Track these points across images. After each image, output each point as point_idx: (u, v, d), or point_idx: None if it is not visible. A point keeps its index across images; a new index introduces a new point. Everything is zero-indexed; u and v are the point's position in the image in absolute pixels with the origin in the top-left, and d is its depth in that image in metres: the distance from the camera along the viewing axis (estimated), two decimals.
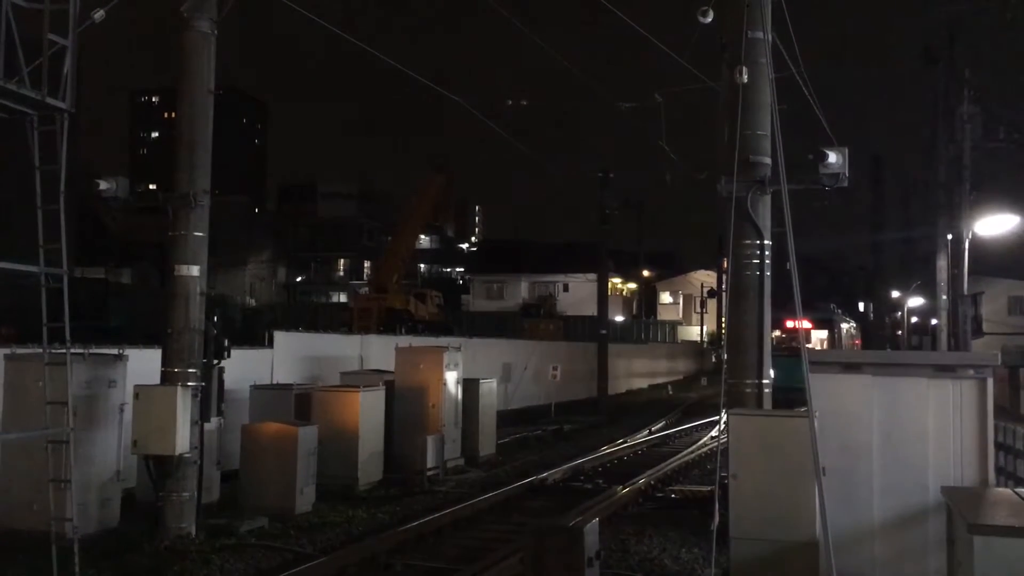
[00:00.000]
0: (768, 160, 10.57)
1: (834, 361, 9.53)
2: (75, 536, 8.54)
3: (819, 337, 31.73)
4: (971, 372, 8.64)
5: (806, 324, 28.69)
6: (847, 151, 10.17)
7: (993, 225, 22.10)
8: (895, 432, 8.44)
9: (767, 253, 10.62)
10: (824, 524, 6.98)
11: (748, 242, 10.60)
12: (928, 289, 29.98)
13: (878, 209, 45.52)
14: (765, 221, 10.65)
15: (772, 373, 26.84)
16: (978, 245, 23.00)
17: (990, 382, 8.37)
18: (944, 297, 23.04)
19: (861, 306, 63.66)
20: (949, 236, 22.64)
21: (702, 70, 14.11)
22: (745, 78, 10.20)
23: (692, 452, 19.30)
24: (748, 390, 10.56)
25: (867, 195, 44.16)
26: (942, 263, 23.09)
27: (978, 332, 23.16)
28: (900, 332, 48.03)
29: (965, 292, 22.07)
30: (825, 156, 10.02)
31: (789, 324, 29.30)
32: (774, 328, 29.69)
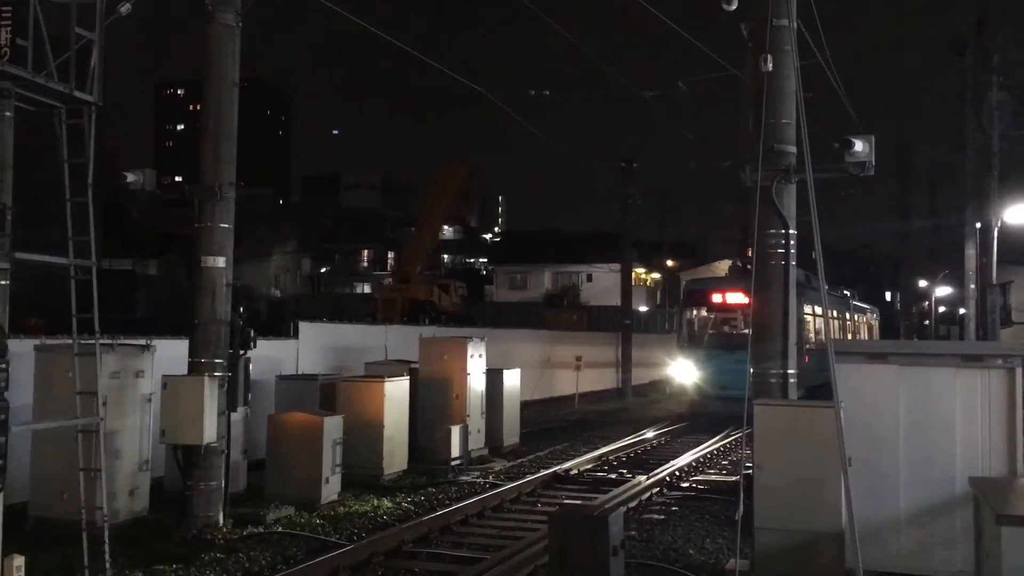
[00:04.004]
0: (793, 149, 10.49)
1: (859, 351, 9.46)
2: (105, 524, 8.66)
3: None
4: (999, 362, 8.56)
5: (742, 298, 21.78)
6: (873, 139, 10.08)
7: (1022, 213, 21.84)
8: (922, 422, 8.38)
9: (792, 242, 10.55)
10: (850, 515, 6.95)
11: (773, 231, 10.52)
12: (956, 278, 29.60)
13: (905, 197, 45.11)
14: (790, 210, 10.57)
15: (699, 374, 23.11)
16: (1007, 233, 22.76)
17: (1019, 372, 8.28)
18: (972, 286, 22.82)
19: (888, 295, 63.14)
20: (978, 225, 22.41)
21: (726, 58, 14.04)
22: (770, 66, 10.11)
23: (717, 442, 19.24)
24: (773, 380, 10.50)
25: (894, 183, 43.77)
26: (970, 252, 22.86)
27: (1007, 322, 22.94)
28: (927, 322, 47.59)
29: (994, 281, 21.86)
30: (851, 144, 9.93)
31: (720, 297, 22.94)
32: (695, 304, 23.65)
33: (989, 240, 21.86)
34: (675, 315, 27.71)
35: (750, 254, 11.27)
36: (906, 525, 8.33)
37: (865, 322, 33.81)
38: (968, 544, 7.82)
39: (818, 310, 24.21)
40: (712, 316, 23.42)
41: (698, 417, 22.36)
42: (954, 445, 8.27)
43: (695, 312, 23.91)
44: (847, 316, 29.56)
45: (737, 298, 22.24)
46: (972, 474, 7.95)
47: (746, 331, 22.00)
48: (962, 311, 25.48)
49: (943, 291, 43.28)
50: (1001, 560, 5.69)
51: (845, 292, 31.20)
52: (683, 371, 23.26)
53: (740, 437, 17.53)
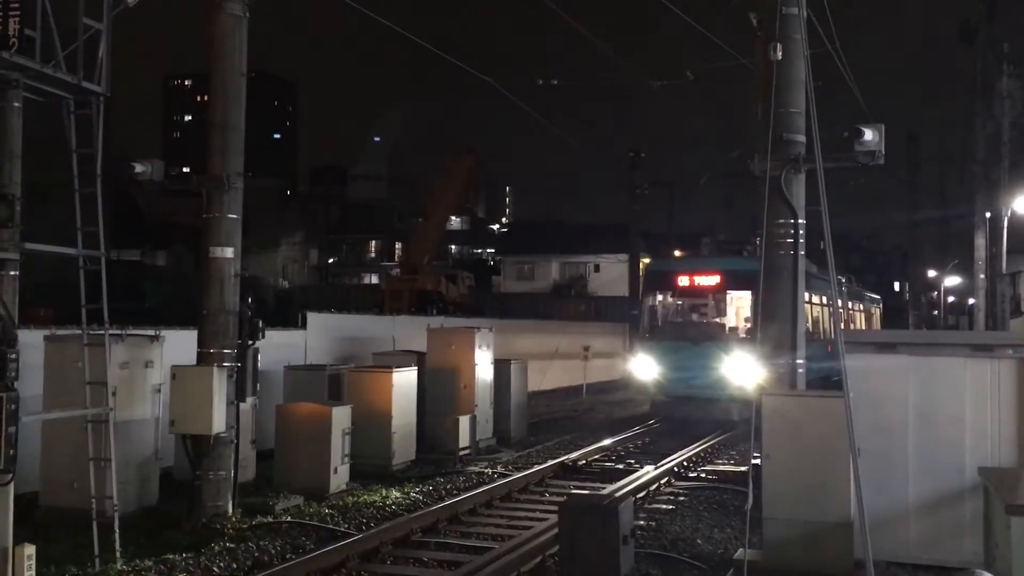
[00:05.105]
0: (802, 138, 10.47)
1: (868, 341, 9.44)
2: (115, 514, 8.70)
3: (737, 303, 19.60)
4: (1009, 352, 8.53)
5: (712, 280, 19.44)
6: (883, 128, 10.05)
7: None
8: (931, 412, 8.36)
9: (801, 232, 10.54)
10: (860, 505, 6.94)
11: (782, 221, 10.52)
12: (966, 268, 29.45)
13: (914, 187, 44.91)
14: (799, 200, 10.56)
15: (660, 370, 19.19)
16: (1017, 223, 22.67)
17: None
18: (982, 276, 22.75)
19: (897, 285, 62.95)
20: (987, 214, 22.33)
21: (735, 48, 13.98)
22: (779, 55, 10.09)
23: (724, 433, 19.18)
24: (781, 369, 10.50)
25: (903, 173, 43.56)
26: (980, 241, 22.78)
27: (1017, 312, 22.88)
28: (936, 312, 47.48)
29: (1004, 271, 21.79)
30: (861, 133, 9.91)
31: (687, 280, 19.77)
32: (659, 289, 20.08)
33: (999, 230, 21.79)
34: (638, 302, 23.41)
35: (758, 242, 11.22)
36: (915, 515, 8.32)
37: (863, 311, 30.16)
38: (977, 534, 7.81)
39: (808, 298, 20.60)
40: (679, 303, 20.37)
41: (661, 421, 19.93)
42: (963, 435, 8.25)
43: (659, 298, 20.72)
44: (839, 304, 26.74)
45: (708, 281, 19.40)
46: (982, 464, 7.93)
47: (717, 320, 19.35)
48: (971, 301, 25.36)
49: (952, 281, 43.15)
50: (1011, 550, 5.69)
51: (840, 278, 27.53)
52: (643, 367, 19.82)
53: (747, 427, 17.42)
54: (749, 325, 18.61)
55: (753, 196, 10.74)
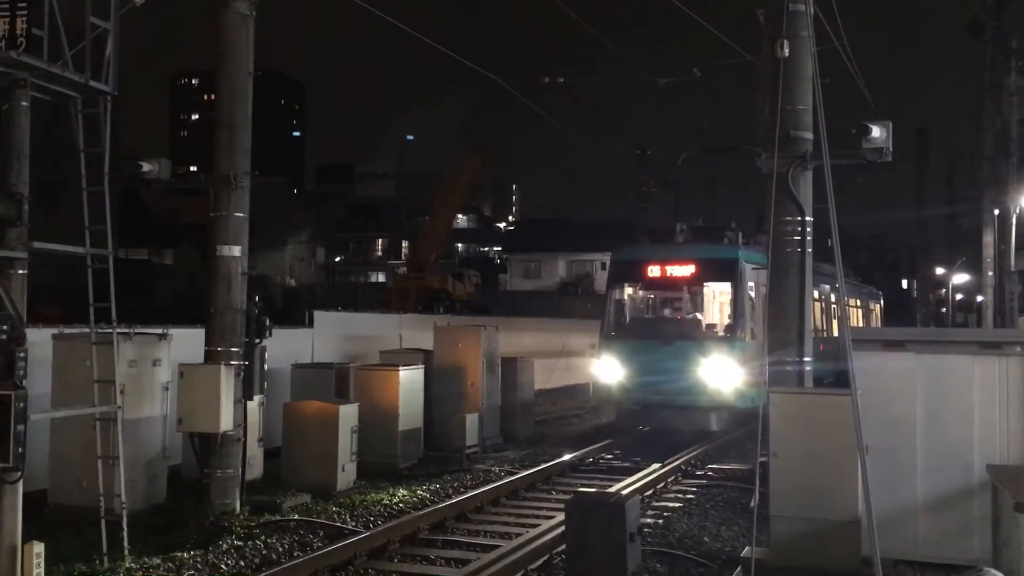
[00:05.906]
0: (810, 135, 10.45)
1: (875, 339, 9.42)
2: (123, 511, 8.73)
3: (718, 297, 17.52)
4: (1018, 349, 8.51)
5: (687, 270, 17.03)
6: (890, 125, 10.02)
7: None
8: (939, 410, 8.34)
9: (808, 229, 10.52)
10: (868, 502, 6.93)
11: (789, 218, 10.50)
12: (974, 265, 29.37)
13: (922, 184, 44.81)
14: (806, 197, 10.55)
15: (625, 373, 16.15)
16: None
17: None
18: (990, 273, 22.70)
19: (905, 283, 62.85)
20: (996, 211, 22.27)
21: (742, 44, 13.95)
22: (786, 52, 10.07)
23: (731, 431, 19.13)
24: (789, 367, 10.47)
25: (911, 170, 43.47)
26: (988, 239, 22.74)
27: None
28: (944, 309, 47.39)
29: (1012, 268, 21.73)
30: (868, 130, 9.88)
31: (658, 270, 17.25)
32: (626, 280, 17.62)
33: (1007, 226, 21.74)
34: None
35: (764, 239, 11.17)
36: (923, 513, 8.30)
37: (861, 307, 27.05)
38: (986, 532, 7.79)
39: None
40: (649, 297, 18.18)
41: (626, 432, 17.64)
42: (972, 432, 8.23)
43: (626, 291, 18.16)
44: (832, 299, 22.33)
45: (682, 271, 17.04)
46: (990, 461, 7.91)
47: (693, 315, 17.10)
48: (980, 298, 25.30)
49: (960, 278, 43.07)
50: (1019, 547, 5.67)
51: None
52: (607, 370, 17.06)
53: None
54: (729, 322, 16.78)
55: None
